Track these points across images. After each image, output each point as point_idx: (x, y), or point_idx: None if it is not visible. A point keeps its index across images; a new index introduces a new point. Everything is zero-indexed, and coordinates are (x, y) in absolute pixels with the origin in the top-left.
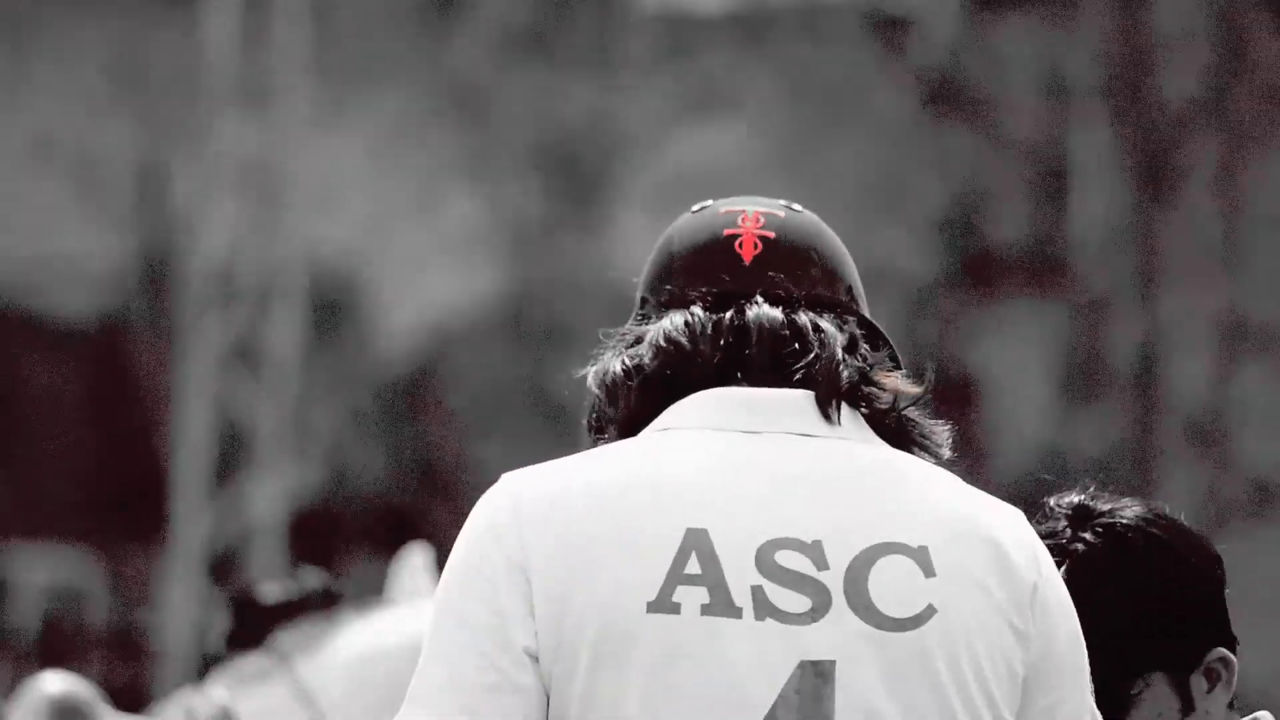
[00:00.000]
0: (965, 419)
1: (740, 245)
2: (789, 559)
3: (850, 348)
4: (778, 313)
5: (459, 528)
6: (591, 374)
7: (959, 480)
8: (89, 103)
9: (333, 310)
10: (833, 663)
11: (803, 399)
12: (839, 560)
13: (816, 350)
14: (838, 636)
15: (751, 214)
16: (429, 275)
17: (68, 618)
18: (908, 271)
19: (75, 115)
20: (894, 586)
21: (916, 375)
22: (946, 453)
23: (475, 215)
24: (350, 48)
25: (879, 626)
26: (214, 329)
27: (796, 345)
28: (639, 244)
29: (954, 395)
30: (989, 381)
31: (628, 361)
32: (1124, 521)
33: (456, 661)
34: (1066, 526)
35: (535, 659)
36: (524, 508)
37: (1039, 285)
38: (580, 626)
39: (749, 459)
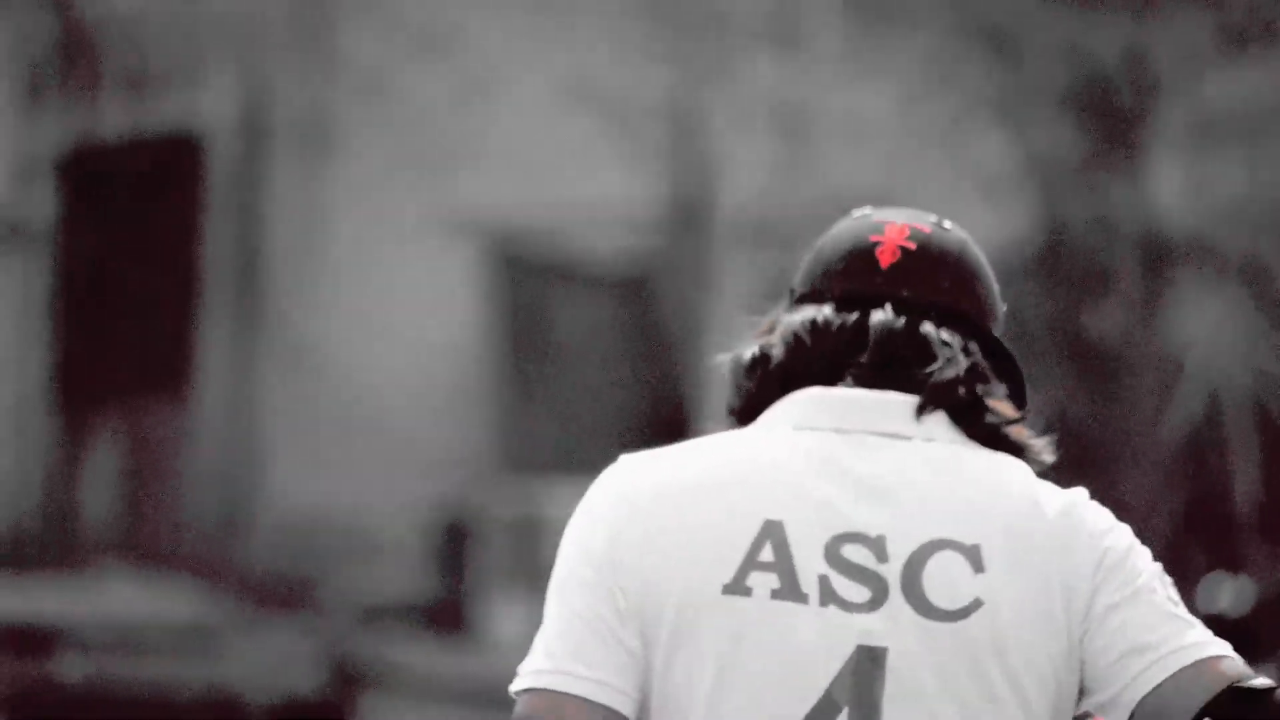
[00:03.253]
0: None
1: (880, 252)
2: (854, 552)
3: (970, 365)
4: (899, 320)
5: None
6: (727, 359)
7: (1029, 475)
8: (621, 44)
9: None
10: (885, 649)
11: (899, 401)
12: (899, 554)
13: (937, 362)
14: (891, 625)
15: (900, 225)
16: (958, 217)
17: None
18: None
19: (607, 57)
20: (944, 580)
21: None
22: (1048, 458)
23: (1006, 156)
24: None
25: (928, 616)
26: (745, 271)
27: (911, 353)
28: (1175, 185)
29: None
30: None
31: (756, 351)
32: None
33: (565, 626)
34: None
35: (624, 627)
36: (627, 495)
37: None
38: (661, 607)
39: (830, 456)
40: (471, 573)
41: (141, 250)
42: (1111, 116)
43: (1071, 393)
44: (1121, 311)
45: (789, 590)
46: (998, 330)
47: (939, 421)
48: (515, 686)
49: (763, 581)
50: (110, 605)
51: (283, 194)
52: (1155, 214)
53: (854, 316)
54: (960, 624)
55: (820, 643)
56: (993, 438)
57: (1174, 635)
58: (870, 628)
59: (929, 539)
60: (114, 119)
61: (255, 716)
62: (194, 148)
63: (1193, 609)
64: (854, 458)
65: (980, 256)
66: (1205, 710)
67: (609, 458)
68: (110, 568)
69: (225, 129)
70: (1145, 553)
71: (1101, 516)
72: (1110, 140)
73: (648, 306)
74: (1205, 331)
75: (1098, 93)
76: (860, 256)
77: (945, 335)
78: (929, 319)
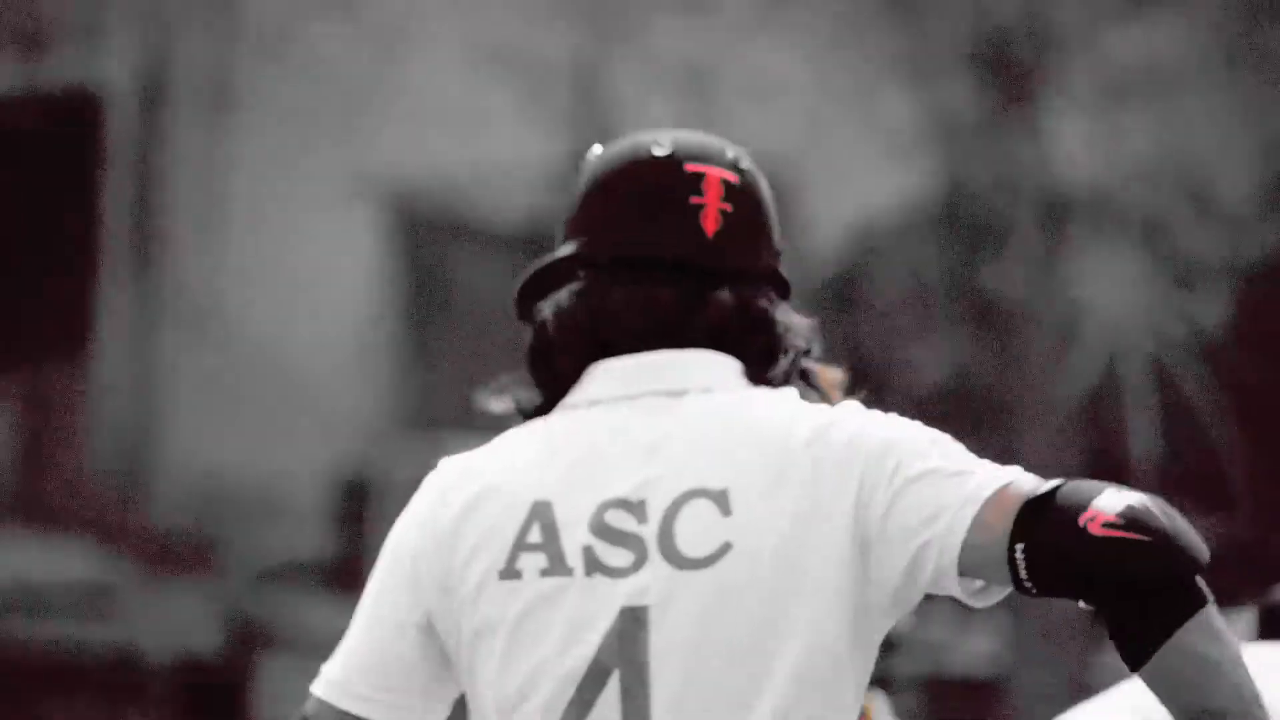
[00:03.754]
0: None
1: (704, 218)
2: (617, 518)
3: (760, 313)
4: (735, 297)
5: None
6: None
7: (796, 408)
8: (527, 4)
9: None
10: (647, 607)
11: (682, 359)
12: (655, 513)
13: (764, 331)
14: (651, 583)
15: (714, 180)
16: (864, 174)
17: None
18: None
19: (514, 16)
20: (695, 529)
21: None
22: (840, 388)
23: (910, 113)
24: None
25: (681, 568)
26: None
27: (743, 326)
28: (1074, 143)
29: None
30: None
31: (561, 324)
32: None
33: (369, 622)
34: None
35: (428, 635)
36: (434, 502)
37: None
38: (460, 607)
39: (618, 426)
40: (372, 531)
41: (40, 209)
42: (1014, 74)
43: (971, 348)
44: (1022, 268)
45: (556, 567)
46: (780, 262)
47: (723, 371)
48: (313, 686)
49: (531, 563)
50: (9, 565)
51: (183, 152)
52: (1056, 171)
53: (677, 288)
54: (711, 570)
55: (587, 612)
56: (785, 379)
57: (957, 490)
58: (633, 589)
59: (681, 491)
60: (11, 76)
61: (155, 676)
62: (93, 105)
63: None
64: (636, 423)
65: (768, 188)
66: (1015, 540)
67: (513, 415)
68: (9, 528)
69: (125, 87)
70: (909, 433)
71: (853, 422)
72: (1012, 98)
73: None
74: (1104, 288)
75: (1000, 51)
76: (683, 220)
77: (763, 302)
78: (752, 286)
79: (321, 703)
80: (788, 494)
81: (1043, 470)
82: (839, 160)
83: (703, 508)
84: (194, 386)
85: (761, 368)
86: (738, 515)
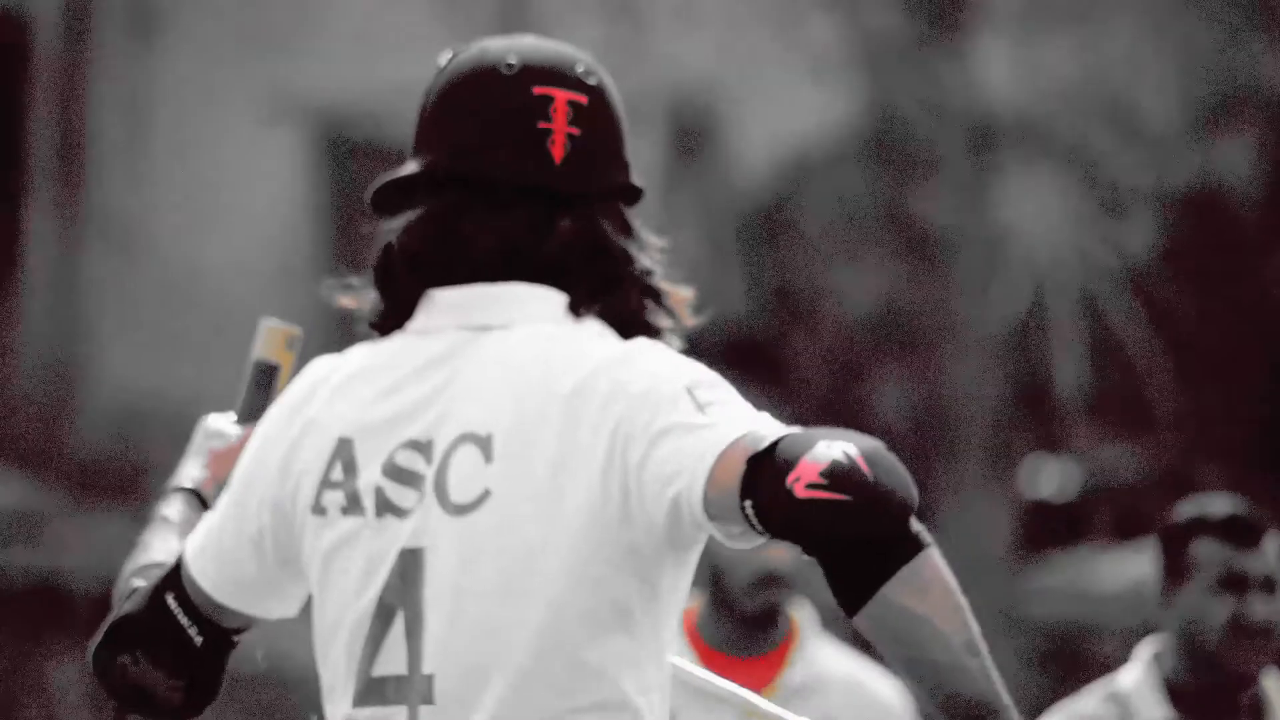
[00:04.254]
0: None
1: (552, 144)
2: (407, 458)
3: (595, 244)
4: (579, 223)
5: (815, 357)
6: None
7: (586, 347)
8: None
9: (692, 135)
10: (423, 549)
11: (504, 292)
12: (436, 455)
13: (604, 260)
14: (426, 525)
15: (562, 103)
16: (788, 98)
17: None
18: None
19: None
20: (462, 474)
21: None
22: (683, 317)
23: (835, 38)
24: None
25: (449, 512)
26: None
27: (583, 253)
28: (1004, 66)
29: None
30: None
31: (404, 246)
32: None
33: (224, 513)
34: None
35: (260, 547)
36: (288, 414)
37: None
38: (294, 533)
39: (432, 358)
40: None
41: None
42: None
43: (898, 276)
44: (949, 195)
45: (352, 505)
46: (634, 176)
47: (537, 306)
48: (185, 543)
49: (334, 500)
50: None
51: (106, 74)
52: (983, 96)
53: (522, 216)
54: (472, 516)
55: (377, 552)
56: (628, 303)
57: (695, 445)
58: (412, 530)
59: (457, 434)
60: None
61: (82, 606)
62: (15, 27)
63: (1016, 491)
64: (440, 359)
65: (618, 99)
66: (742, 495)
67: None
68: None
69: (49, 10)
70: (669, 381)
71: (619, 369)
72: (939, 22)
73: None
74: (1032, 215)
75: None
76: (530, 145)
77: (608, 227)
78: (600, 208)
79: (183, 564)
80: (545, 441)
81: (970, 399)
82: (765, 86)
83: (470, 453)
84: (121, 310)
85: (599, 296)
86: (497, 462)
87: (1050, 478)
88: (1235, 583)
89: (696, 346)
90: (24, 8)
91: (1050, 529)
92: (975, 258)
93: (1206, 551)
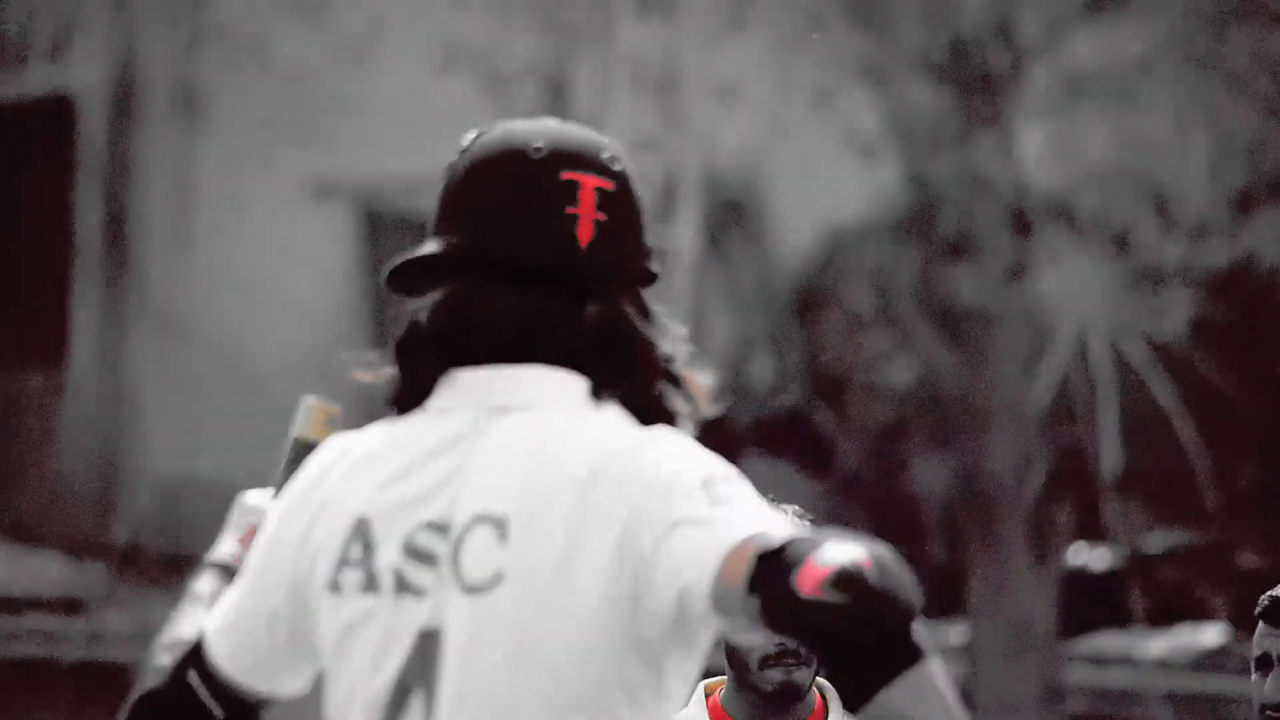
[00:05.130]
0: None
1: (579, 227)
2: (426, 539)
3: (614, 326)
4: (604, 309)
5: (849, 431)
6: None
7: (605, 432)
8: (493, 6)
9: (730, 210)
10: (439, 630)
11: (526, 374)
12: (453, 535)
13: (623, 345)
14: (444, 605)
15: (589, 190)
16: (828, 177)
17: None
18: None
19: (480, 19)
20: (478, 555)
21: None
22: (705, 405)
23: (874, 116)
24: None
25: (465, 593)
26: None
27: (605, 341)
28: (1038, 145)
29: None
30: None
31: (426, 325)
32: None
33: (243, 591)
34: None
35: (276, 622)
36: (296, 488)
37: None
38: (309, 610)
39: (435, 439)
40: None
41: (12, 216)
42: (978, 77)
43: (936, 352)
44: (988, 272)
45: (370, 584)
46: (652, 263)
47: (557, 389)
48: (206, 621)
49: (352, 579)
50: None
51: (153, 158)
52: (1020, 175)
53: (546, 300)
54: (488, 598)
55: (394, 632)
56: (649, 390)
57: (705, 541)
58: (430, 611)
59: (473, 515)
60: None
61: (129, 686)
62: (64, 112)
63: (1059, 571)
64: (459, 439)
65: (640, 190)
66: (750, 591)
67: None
68: None
69: (96, 94)
70: (681, 473)
71: (633, 459)
72: (976, 101)
73: None
74: (1070, 291)
75: (965, 53)
76: (553, 225)
77: (630, 311)
78: (622, 294)
79: (204, 640)
80: (559, 527)
81: (1013, 473)
82: (804, 163)
83: (486, 534)
84: (167, 393)
85: (620, 381)
86: (513, 544)
87: (1091, 556)
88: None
89: (735, 423)
90: (71, 87)
91: (1090, 607)
92: (1013, 334)
93: None
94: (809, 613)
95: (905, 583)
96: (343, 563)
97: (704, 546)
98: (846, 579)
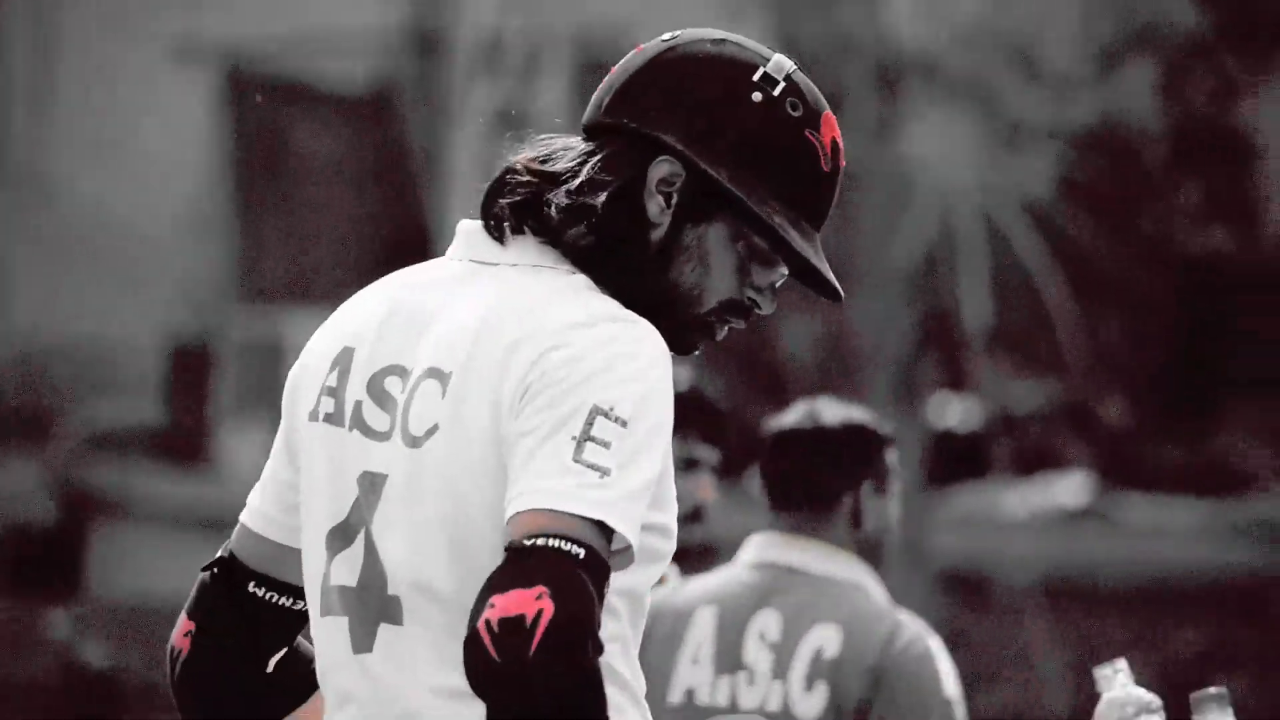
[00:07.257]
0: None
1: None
2: (390, 383)
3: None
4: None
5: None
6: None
7: (554, 298)
8: None
9: (599, 72)
10: (385, 475)
11: (478, 227)
12: (410, 385)
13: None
14: (389, 453)
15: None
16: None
17: None
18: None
19: None
20: (422, 407)
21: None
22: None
23: None
24: None
25: (406, 443)
26: (481, 97)
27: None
28: (906, 3)
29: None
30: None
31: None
32: None
33: (274, 448)
34: None
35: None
36: (318, 331)
37: None
38: (297, 437)
39: (428, 286)
40: (209, 400)
41: None
42: None
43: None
44: (854, 131)
45: (337, 415)
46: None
47: (524, 244)
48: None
49: (326, 406)
50: None
51: (15, 22)
52: (888, 33)
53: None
54: (422, 449)
55: (345, 466)
56: (590, 255)
57: (525, 480)
58: (377, 455)
59: (426, 368)
60: None
61: None
62: None
63: (922, 426)
64: (440, 288)
65: (680, 64)
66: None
67: (348, 282)
68: None
69: None
70: (599, 380)
71: (565, 335)
72: None
73: (386, 131)
74: (936, 150)
75: None
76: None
77: (561, 156)
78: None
79: (241, 526)
80: (483, 388)
81: (876, 332)
82: (672, 24)
83: (432, 388)
84: (29, 255)
85: (620, 276)
86: (448, 400)
87: (955, 412)
88: None
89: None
90: None
91: (955, 462)
92: (879, 194)
93: None
94: (468, 646)
95: (575, 664)
96: (322, 390)
97: (521, 484)
98: (508, 632)
